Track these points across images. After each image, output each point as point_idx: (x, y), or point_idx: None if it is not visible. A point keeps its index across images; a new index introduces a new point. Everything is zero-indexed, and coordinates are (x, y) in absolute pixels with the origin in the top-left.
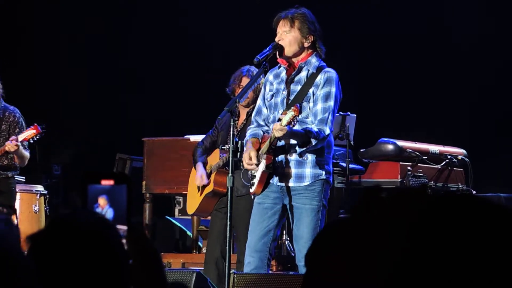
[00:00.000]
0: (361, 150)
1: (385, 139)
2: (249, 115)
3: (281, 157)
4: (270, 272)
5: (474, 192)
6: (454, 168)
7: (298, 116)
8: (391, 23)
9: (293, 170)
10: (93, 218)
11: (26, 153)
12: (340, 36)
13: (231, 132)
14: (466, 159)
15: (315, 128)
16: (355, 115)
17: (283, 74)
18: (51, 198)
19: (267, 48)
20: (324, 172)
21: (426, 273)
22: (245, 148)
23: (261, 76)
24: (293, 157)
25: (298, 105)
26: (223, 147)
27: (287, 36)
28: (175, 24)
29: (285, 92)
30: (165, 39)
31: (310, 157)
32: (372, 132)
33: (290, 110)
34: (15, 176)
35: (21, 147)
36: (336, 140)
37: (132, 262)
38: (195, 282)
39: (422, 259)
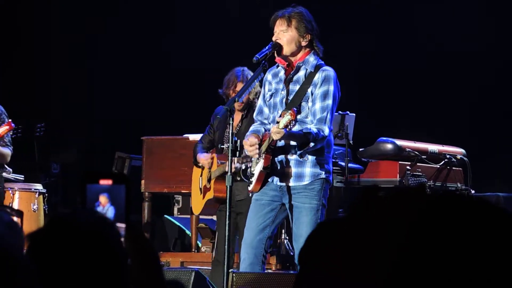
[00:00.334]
0: (360, 149)
1: (384, 138)
2: (243, 117)
3: (281, 157)
4: (267, 270)
5: (473, 191)
6: (453, 168)
7: (294, 120)
8: (391, 23)
9: (293, 170)
10: (92, 218)
11: (5, 150)
12: (340, 36)
13: (230, 131)
14: (465, 158)
15: (314, 128)
16: (354, 114)
17: (282, 74)
18: (50, 196)
19: (266, 47)
20: (323, 171)
21: (425, 272)
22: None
23: (260, 74)
24: (293, 157)
25: (295, 109)
26: (221, 146)
27: (284, 35)
28: (174, 24)
29: (284, 92)
30: (165, 39)
31: (310, 157)
32: (371, 131)
33: (287, 114)
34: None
35: None
36: (335, 140)
37: (130, 261)
38: (194, 281)
39: (420, 259)
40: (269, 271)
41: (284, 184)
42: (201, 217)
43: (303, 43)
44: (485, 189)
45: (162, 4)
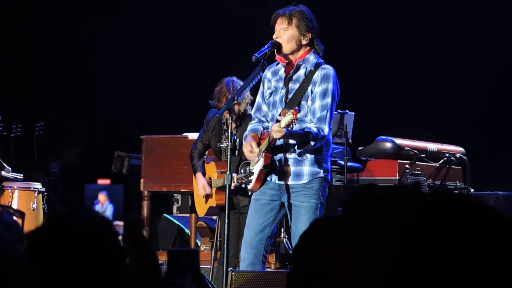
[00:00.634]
0: (359, 148)
1: (383, 137)
2: (238, 126)
3: (280, 156)
4: (266, 269)
5: (472, 190)
6: (452, 166)
7: (296, 119)
8: (390, 22)
9: (292, 168)
10: (91, 217)
11: None
12: (339, 35)
13: (229, 130)
14: (464, 157)
15: (314, 127)
16: (353, 113)
17: (281, 72)
18: (49, 196)
19: (266, 46)
20: (322, 170)
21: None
22: (243, 142)
23: (259, 74)
24: (292, 156)
25: (297, 108)
26: (220, 145)
27: (285, 33)
28: (174, 24)
29: (283, 91)
30: (165, 39)
31: (308, 155)
32: (371, 130)
33: (289, 113)
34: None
35: None
36: (334, 138)
37: (129, 260)
38: None
39: (417, 257)
40: (268, 269)
41: (283, 182)
42: (199, 216)
43: (304, 42)
44: (485, 188)
45: (162, 4)
